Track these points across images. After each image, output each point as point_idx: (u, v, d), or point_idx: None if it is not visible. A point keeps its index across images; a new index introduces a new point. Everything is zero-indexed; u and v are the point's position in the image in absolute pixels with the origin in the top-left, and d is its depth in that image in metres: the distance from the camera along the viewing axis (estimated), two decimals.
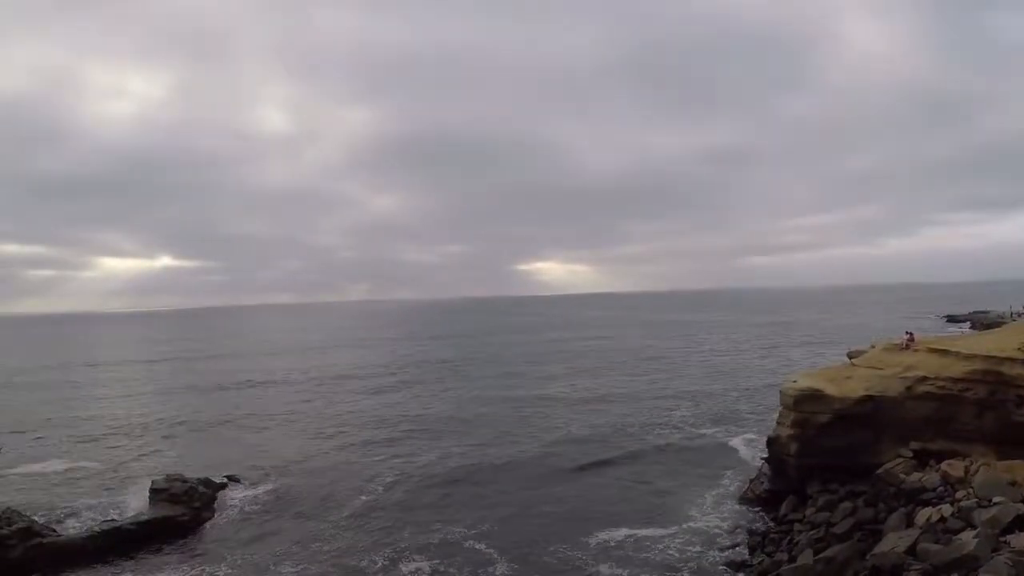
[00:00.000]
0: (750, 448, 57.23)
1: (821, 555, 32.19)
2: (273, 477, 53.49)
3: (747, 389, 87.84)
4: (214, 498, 48.27)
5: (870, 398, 44.49)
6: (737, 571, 34.96)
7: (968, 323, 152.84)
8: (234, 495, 49.71)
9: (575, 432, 65.51)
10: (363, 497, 48.10)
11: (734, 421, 69.00)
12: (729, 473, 51.39)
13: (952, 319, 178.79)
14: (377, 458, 57.60)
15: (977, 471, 37.18)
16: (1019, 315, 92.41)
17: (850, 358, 60.50)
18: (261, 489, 50.95)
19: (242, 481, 52.57)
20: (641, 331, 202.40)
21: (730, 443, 60.56)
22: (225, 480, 52.46)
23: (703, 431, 65.26)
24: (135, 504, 46.55)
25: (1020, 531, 28.71)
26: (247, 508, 47.12)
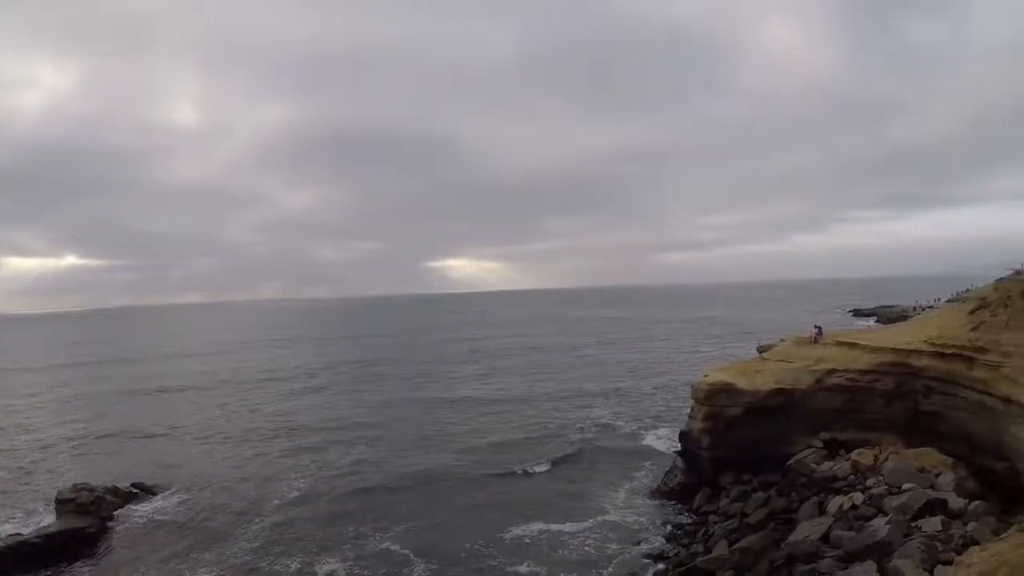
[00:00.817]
0: (664, 442, 57.98)
1: (736, 545, 32.78)
2: (183, 485, 51.54)
3: (661, 384, 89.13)
4: (123, 508, 46.39)
5: (781, 391, 45.57)
6: (654, 563, 35.35)
7: (874, 317, 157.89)
8: (143, 504, 47.74)
9: (489, 432, 65.20)
10: (276, 503, 46.82)
11: (649, 416, 69.91)
12: (644, 467, 51.92)
13: (859, 313, 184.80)
14: (290, 465, 56.11)
15: (887, 459, 38.31)
16: (924, 309, 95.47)
17: (760, 352, 61.77)
18: (172, 498, 49.04)
19: (152, 490, 50.43)
20: (556, 328, 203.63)
21: (645, 438, 61.39)
22: (134, 489, 50.26)
23: (618, 427, 65.88)
24: (40, 516, 44.45)
25: (930, 516, 29.49)
26: (157, 517, 45.22)
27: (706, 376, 48.52)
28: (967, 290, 76.82)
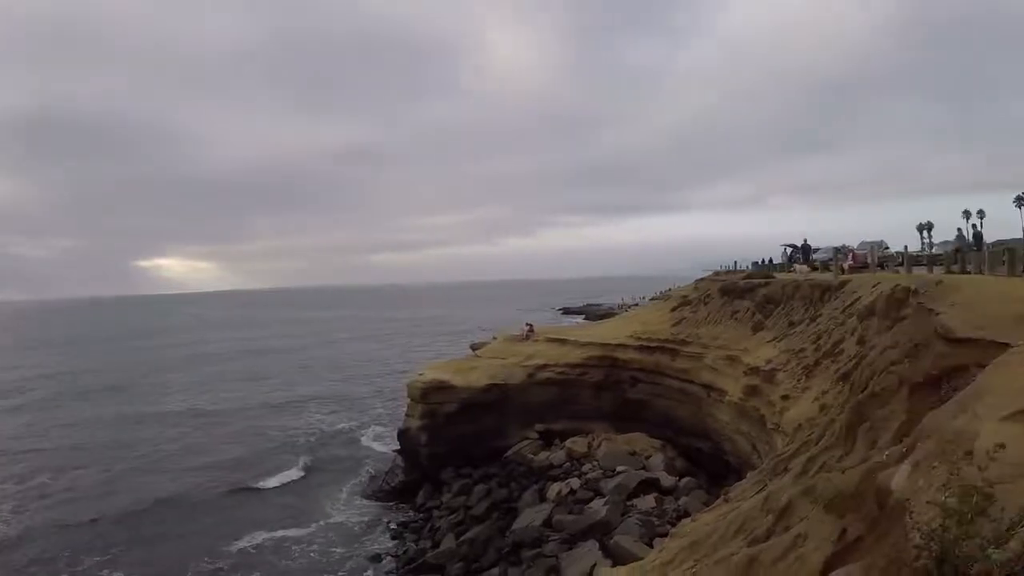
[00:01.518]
0: (383, 443, 57.79)
1: (464, 537, 33.64)
2: None
3: (377, 385, 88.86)
4: None
5: (495, 386, 47.53)
6: (382, 562, 35.00)
7: (583, 315, 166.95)
8: None
9: (210, 447, 61.13)
10: None
11: (367, 418, 69.40)
12: (365, 469, 51.39)
13: (567, 311, 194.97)
14: None
15: (599, 445, 41.03)
16: (630, 307, 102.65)
17: (473, 350, 63.71)
18: None
19: None
20: (269, 331, 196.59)
21: (363, 440, 60.79)
22: None
23: (337, 430, 64.70)
24: None
25: (644, 494, 31.86)
26: None
27: (421, 375, 49.28)
28: (669, 289, 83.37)
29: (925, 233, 54.43)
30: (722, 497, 18.21)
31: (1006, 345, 8.46)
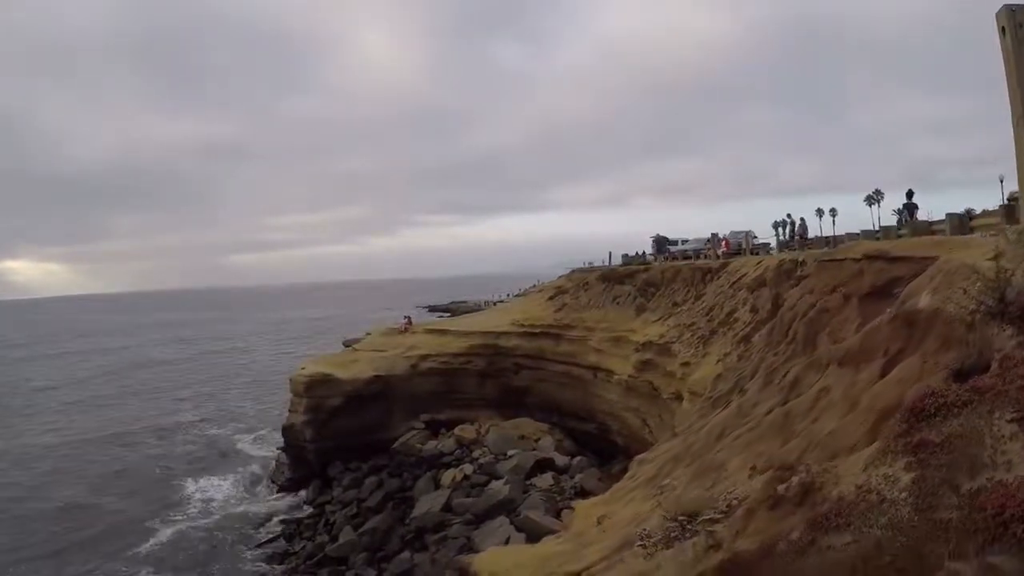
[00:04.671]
0: (261, 443, 56.93)
1: (363, 528, 33.75)
2: None
3: (248, 386, 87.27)
4: None
5: (379, 378, 47.79)
6: (280, 563, 34.44)
7: (448, 312, 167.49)
8: None
9: (66, 456, 57.85)
10: None
11: (239, 419, 67.93)
12: (249, 470, 50.30)
13: (434, 309, 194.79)
14: None
15: (488, 432, 42.13)
16: (496, 303, 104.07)
17: (346, 346, 63.61)
18: None
19: None
20: (125, 336, 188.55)
21: (240, 441, 59.40)
22: None
23: (211, 433, 63.04)
24: None
25: (541, 473, 32.95)
26: None
27: (303, 369, 48.93)
28: (535, 285, 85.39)
29: (780, 230, 57.65)
30: (671, 433, 19.79)
31: (935, 258, 11.65)
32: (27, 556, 36.68)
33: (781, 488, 7.45)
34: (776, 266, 22.34)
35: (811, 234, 32.52)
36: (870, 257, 15.56)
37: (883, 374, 9.72)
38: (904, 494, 6.11)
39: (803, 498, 7.13)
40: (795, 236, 33.87)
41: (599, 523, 13.91)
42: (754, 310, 22.81)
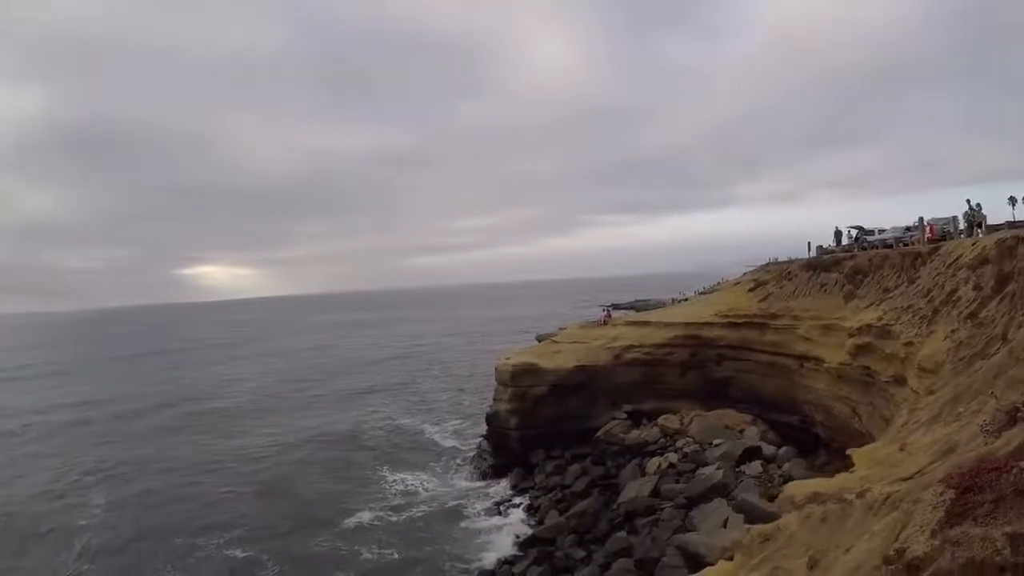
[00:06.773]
0: (458, 435, 58.89)
1: (571, 511, 34.44)
2: None
3: (445, 380, 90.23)
4: None
5: (581, 368, 48.37)
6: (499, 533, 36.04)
7: (632, 311, 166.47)
8: None
9: (290, 441, 61.41)
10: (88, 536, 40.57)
11: (437, 411, 70.47)
12: (452, 459, 52.05)
13: (617, 307, 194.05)
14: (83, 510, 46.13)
15: (691, 422, 41.69)
16: (681, 301, 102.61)
17: (539, 341, 64.50)
18: None
19: None
20: (324, 336, 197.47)
21: (435, 431, 61.56)
22: None
23: (411, 424, 65.44)
24: None
25: (750, 461, 32.70)
26: None
27: (508, 359, 50.29)
28: (719, 283, 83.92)
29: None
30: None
31: None
32: (267, 535, 39.60)
33: None
34: (996, 244, 21.61)
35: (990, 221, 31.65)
36: None
37: None
38: None
39: None
40: (967, 223, 32.78)
41: (902, 449, 14.06)
42: (977, 287, 22.19)
